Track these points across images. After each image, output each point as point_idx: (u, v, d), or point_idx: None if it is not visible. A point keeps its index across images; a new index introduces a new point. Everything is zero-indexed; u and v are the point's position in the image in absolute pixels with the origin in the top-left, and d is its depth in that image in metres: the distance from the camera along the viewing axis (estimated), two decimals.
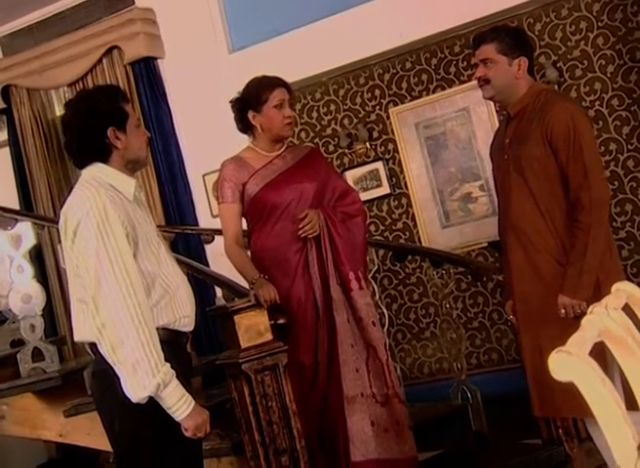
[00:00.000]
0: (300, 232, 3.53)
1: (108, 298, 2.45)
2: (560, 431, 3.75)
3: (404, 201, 6.19)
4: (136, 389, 2.43)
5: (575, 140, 3.13)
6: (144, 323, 2.44)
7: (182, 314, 2.67)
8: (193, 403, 2.52)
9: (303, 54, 5.97)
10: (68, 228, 2.55)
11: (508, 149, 3.28)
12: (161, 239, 2.76)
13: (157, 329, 2.54)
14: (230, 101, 3.77)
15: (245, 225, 3.79)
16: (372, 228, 6.26)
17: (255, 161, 3.69)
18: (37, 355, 4.38)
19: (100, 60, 6.51)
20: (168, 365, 2.47)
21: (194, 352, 5.60)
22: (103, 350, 2.48)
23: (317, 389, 3.53)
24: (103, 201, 2.50)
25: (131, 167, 2.73)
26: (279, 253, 3.60)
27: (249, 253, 3.74)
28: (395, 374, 3.62)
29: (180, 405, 2.48)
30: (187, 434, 2.53)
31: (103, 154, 2.65)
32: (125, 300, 2.43)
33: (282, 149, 3.74)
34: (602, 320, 1.59)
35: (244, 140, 6.23)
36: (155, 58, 6.46)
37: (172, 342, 2.63)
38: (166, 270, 2.65)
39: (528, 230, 3.21)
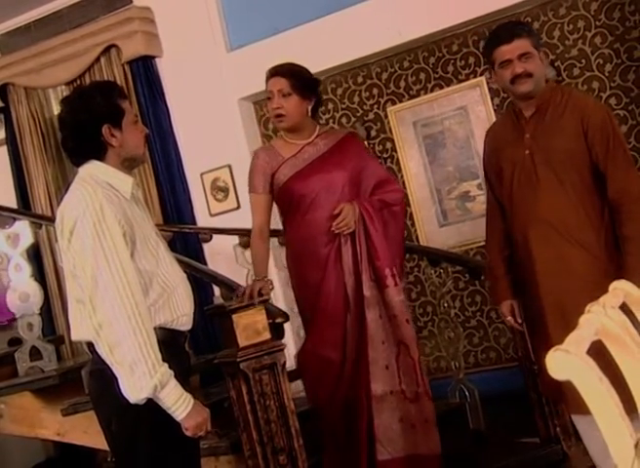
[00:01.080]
0: (334, 229, 3.44)
1: (105, 299, 2.44)
2: (558, 429, 3.76)
3: None
4: (133, 390, 2.43)
5: (613, 135, 3.22)
6: (142, 323, 2.43)
7: (181, 313, 2.66)
8: (192, 402, 2.51)
9: (301, 52, 5.93)
10: (65, 228, 2.53)
11: (531, 144, 3.29)
12: (160, 237, 2.74)
13: (155, 328, 2.54)
14: None
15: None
16: None
17: (285, 150, 3.60)
18: (35, 354, 4.39)
19: (97, 59, 6.50)
20: (165, 365, 2.46)
21: (192, 351, 5.62)
22: (101, 351, 2.48)
23: (341, 387, 3.50)
24: (100, 200, 2.49)
25: (128, 164, 2.70)
26: (309, 244, 3.54)
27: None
28: (425, 372, 3.61)
29: (179, 405, 2.48)
30: (188, 433, 2.53)
31: (99, 152, 2.63)
32: (122, 301, 2.43)
33: (314, 136, 3.61)
34: (599, 318, 1.59)
35: (242, 139, 6.30)
36: (153, 57, 6.44)
37: (170, 342, 2.62)
38: (164, 269, 2.64)
39: (562, 223, 3.22)
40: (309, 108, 3.56)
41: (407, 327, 3.51)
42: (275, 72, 3.56)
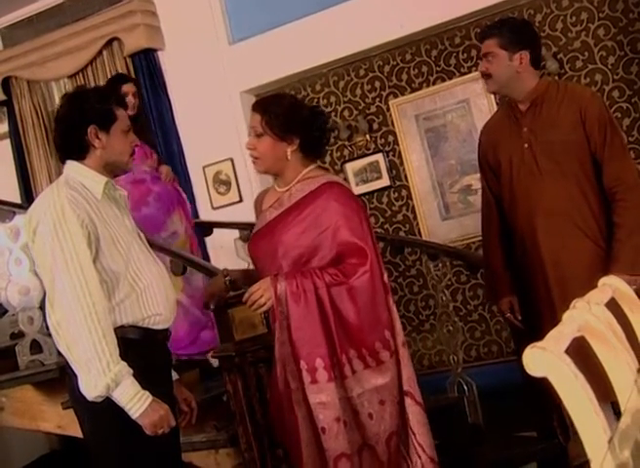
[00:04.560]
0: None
1: (63, 298, 2.49)
2: (555, 423, 3.75)
3: (404, 193, 6.19)
4: (89, 388, 2.47)
5: (610, 124, 3.28)
6: (97, 322, 2.46)
7: (152, 312, 2.67)
8: (149, 400, 2.51)
9: (303, 45, 5.97)
10: (30, 228, 2.59)
11: (529, 137, 3.34)
12: (135, 237, 2.76)
13: (125, 326, 2.59)
14: None
15: None
16: (372, 220, 6.26)
17: (269, 197, 3.13)
18: (35, 347, 4.40)
19: (100, 52, 6.53)
20: (122, 364, 2.48)
21: None
22: (61, 349, 2.52)
23: None
24: (62, 201, 2.54)
25: (110, 169, 2.74)
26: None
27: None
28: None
29: (133, 403, 2.49)
30: (147, 432, 2.54)
31: (81, 151, 2.69)
32: (79, 300, 2.46)
33: (292, 184, 3.02)
34: (583, 315, 1.60)
35: (244, 132, 6.29)
36: (155, 50, 6.47)
37: (143, 340, 2.65)
38: (135, 268, 2.66)
39: (566, 213, 3.28)
40: (290, 151, 2.96)
41: (326, 438, 2.82)
42: (252, 106, 3.04)
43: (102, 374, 2.44)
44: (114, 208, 2.72)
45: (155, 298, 2.69)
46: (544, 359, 1.33)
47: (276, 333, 2.86)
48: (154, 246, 4.32)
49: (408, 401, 2.93)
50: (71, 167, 2.71)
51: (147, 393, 2.51)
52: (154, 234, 4.59)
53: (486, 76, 3.40)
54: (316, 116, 3.05)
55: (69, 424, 4.23)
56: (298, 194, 2.99)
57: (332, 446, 2.81)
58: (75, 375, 2.52)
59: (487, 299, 5.64)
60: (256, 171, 3.12)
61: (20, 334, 4.69)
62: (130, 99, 4.75)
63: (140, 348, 2.60)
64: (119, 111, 2.74)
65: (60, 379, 4.17)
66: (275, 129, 2.93)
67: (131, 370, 2.49)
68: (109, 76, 6.47)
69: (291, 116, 2.96)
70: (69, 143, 2.71)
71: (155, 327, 2.70)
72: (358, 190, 6.27)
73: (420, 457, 2.91)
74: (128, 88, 4.81)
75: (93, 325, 2.45)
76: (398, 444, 2.91)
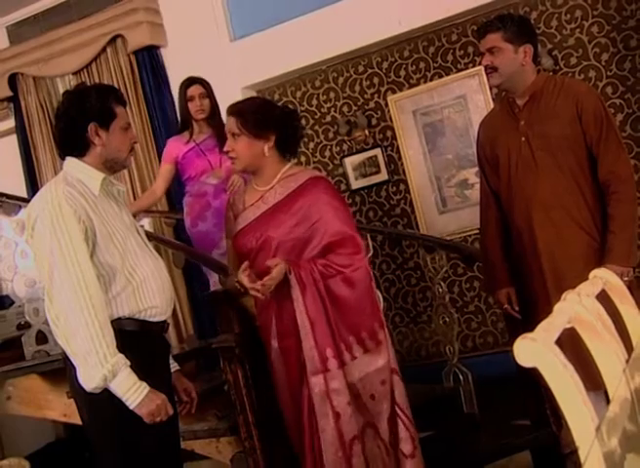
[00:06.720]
0: (256, 289, 2.97)
1: (61, 292, 2.54)
2: (547, 412, 3.81)
3: (402, 187, 6.27)
4: (87, 379, 2.53)
5: (606, 118, 3.31)
6: (94, 315, 2.51)
7: (149, 305, 2.73)
8: (146, 390, 2.57)
9: (304, 42, 6.04)
10: (28, 224, 2.65)
11: (526, 131, 3.38)
12: (132, 232, 2.81)
13: (122, 319, 2.65)
14: None
15: None
16: (370, 214, 6.35)
17: (249, 195, 3.25)
18: (41, 338, 4.46)
19: (104, 49, 6.58)
20: (119, 355, 2.53)
21: (196, 335, 5.70)
22: (59, 342, 2.58)
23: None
24: (59, 197, 2.59)
25: (109, 165, 2.80)
26: (258, 308, 3.25)
27: None
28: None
29: (130, 394, 2.54)
30: (146, 421, 2.59)
31: (82, 148, 2.74)
32: (76, 294, 2.52)
33: (275, 181, 3.17)
34: (573, 306, 1.65)
35: None
36: (158, 47, 6.52)
37: (140, 331, 2.71)
38: (132, 262, 2.71)
39: (562, 206, 3.31)
40: (266, 148, 3.12)
41: (338, 421, 2.97)
42: (227, 110, 3.19)
43: (100, 366, 2.48)
44: (112, 203, 2.77)
45: (152, 291, 2.74)
46: (534, 349, 1.36)
47: (276, 326, 3.05)
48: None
49: (396, 377, 3.12)
50: (70, 163, 2.76)
51: (144, 384, 2.57)
52: (207, 252, 4.48)
53: (491, 70, 3.39)
54: (288, 114, 3.23)
55: (74, 413, 4.22)
56: (283, 190, 3.14)
57: (346, 429, 2.96)
58: (74, 367, 2.57)
59: (485, 290, 5.73)
60: (234, 171, 3.27)
61: (27, 325, 4.74)
62: (196, 103, 4.60)
63: (137, 340, 2.66)
64: (118, 108, 2.78)
65: (64, 369, 4.24)
66: (251, 127, 3.09)
67: (128, 362, 2.54)
68: (113, 73, 6.56)
69: (264, 114, 3.12)
70: (70, 140, 2.75)
71: (152, 319, 2.75)
72: (357, 184, 6.36)
73: (402, 420, 3.09)
74: (193, 91, 4.64)
75: (90, 318, 2.50)
76: (396, 420, 3.08)
